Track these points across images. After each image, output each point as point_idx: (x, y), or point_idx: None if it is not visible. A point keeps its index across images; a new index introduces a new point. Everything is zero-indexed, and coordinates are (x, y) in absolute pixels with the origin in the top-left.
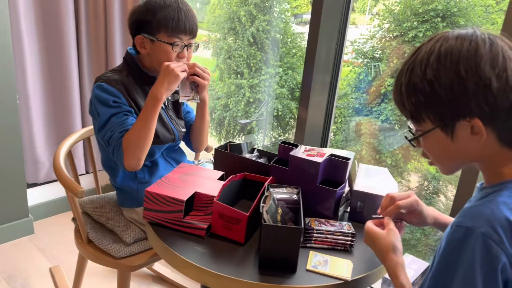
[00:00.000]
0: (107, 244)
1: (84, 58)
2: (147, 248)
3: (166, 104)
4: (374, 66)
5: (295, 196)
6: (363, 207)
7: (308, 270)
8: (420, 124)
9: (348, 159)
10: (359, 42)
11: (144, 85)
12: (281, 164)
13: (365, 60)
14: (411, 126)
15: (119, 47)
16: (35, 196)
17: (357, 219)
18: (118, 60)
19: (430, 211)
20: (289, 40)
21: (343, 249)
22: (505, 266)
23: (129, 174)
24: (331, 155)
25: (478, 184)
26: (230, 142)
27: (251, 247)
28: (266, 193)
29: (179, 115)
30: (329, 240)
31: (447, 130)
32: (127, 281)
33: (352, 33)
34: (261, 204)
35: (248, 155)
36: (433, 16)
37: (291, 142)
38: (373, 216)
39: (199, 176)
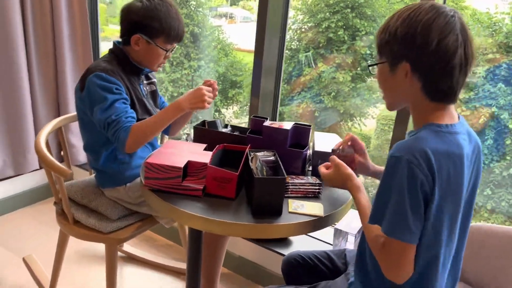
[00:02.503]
0: (95, 222)
1: (32, 58)
2: (131, 223)
3: (146, 93)
4: (306, 56)
5: (272, 158)
6: (322, 164)
7: (290, 212)
8: (380, 57)
9: (309, 126)
10: None
11: (133, 75)
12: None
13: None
14: (374, 61)
15: (67, 43)
16: None
17: (318, 174)
18: (67, 57)
19: (371, 163)
20: (207, 33)
21: (313, 196)
22: (423, 182)
23: (110, 156)
24: (295, 123)
25: (407, 132)
26: (205, 120)
27: (241, 200)
28: (250, 156)
29: (156, 104)
30: (301, 190)
31: (391, 67)
32: (115, 254)
33: None
34: (250, 163)
35: (224, 130)
36: (343, 7)
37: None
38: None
39: (186, 149)
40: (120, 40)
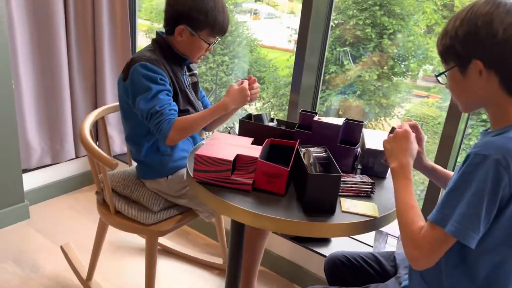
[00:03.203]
0: (136, 213)
1: (73, 48)
2: (172, 215)
3: (188, 84)
4: (343, 51)
5: (324, 154)
6: (374, 162)
7: (343, 211)
8: (447, 64)
9: (362, 122)
10: None
11: (176, 65)
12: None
13: None
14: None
15: (106, 34)
16: (29, 182)
17: (368, 173)
18: (106, 47)
19: (429, 160)
20: (233, 28)
21: (365, 196)
22: (506, 185)
23: (152, 148)
24: (346, 119)
25: (482, 131)
26: (251, 113)
27: (290, 197)
28: (302, 151)
29: (197, 96)
30: (353, 188)
31: (461, 69)
32: (155, 246)
33: (294, 22)
34: (302, 159)
35: (270, 124)
36: (371, 4)
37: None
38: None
39: (234, 142)
40: (163, 30)
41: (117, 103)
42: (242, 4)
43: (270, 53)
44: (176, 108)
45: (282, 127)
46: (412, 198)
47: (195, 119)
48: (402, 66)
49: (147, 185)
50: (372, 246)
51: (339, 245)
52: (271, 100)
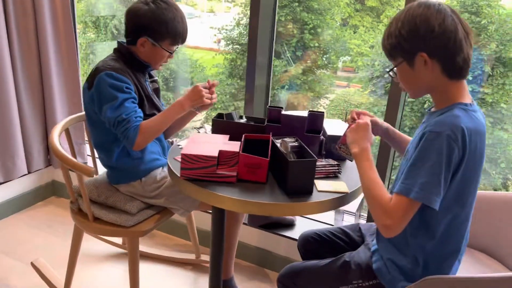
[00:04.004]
0: (115, 217)
1: (16, 58)
2: (150, 215)
3: (151, 91)
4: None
5: (295, 143)
6: (334, 147)
7: (320, 191)
8: (395, 60)
9: (323, 113)
10: (226, 30)
11: (138, 72)
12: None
13: (235, 46)
14: (390, 67)
15: (51, 44)
16: None
17: (332, 157)
18: (52, 58)
19: (384, 123)
20: None
21: (333, 176)
22: (456, 155)
23: (123, 152)
24: (310, 111)
25: (426, 110)
26: (221, 113)
27: (271, 183)
28: (278, 142)
29: (160, 102)
30: (323, 171)
31: (409, 62)
32: (137, 246)
33: (214, 21)
34: (280, 149)
35: (241, 120)
36: (290, 1)
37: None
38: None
39: (211, 140)
40: (123, 39)
41: (79, 114)
42: None
43: (195, 53)
44: (142, 115)
45: (251, 123)
46: (377, 176)
47: (157, 121)
48: (324, 59)
49: (121, 190)
50: (332, 225)
51: (304, 227)
52: None
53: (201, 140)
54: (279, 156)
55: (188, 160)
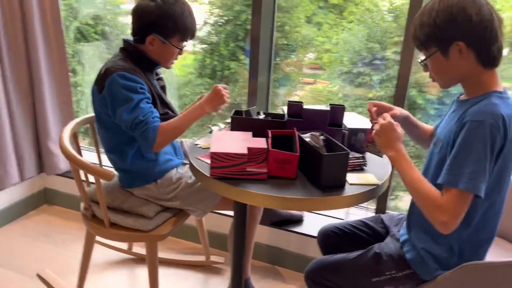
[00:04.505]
0: (133, 222)
1: (5, 63)
2: (167, 218)
3: (160, 90)
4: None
5: (323, 137)
6: (356, 140)
7: (351, 184)
8: (428, 50)
9: (343, 106)
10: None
11: (147, 71)
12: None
13: (204, 45)
14: (422, 57)
15: (41, 49)
16: None
17: (353, 149)
18: (42, 62)
19: (404, 112)
20: (119, 32)
21: (360, 169)
22: (498, 142)
23: (137, 154)
24: (330, 104)
25: (456, 98)
26: (238, 110)
27: (301, 179)
28: (307, 137)
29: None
30: (350, 164)
31: (443, 52)
32: (156, 250)
33: None
34: (312, 143)
35: (260, 117)
36: None
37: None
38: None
39: (237, 138)
40: (130, 38)
41: (86, 116)
42: (120, 6)
43: None
44: (158, 114)
45: (269, 119)
46: (419, 174)
47: (177, 123)
48: (293, 56)
49: (135, 193)
50: (342, 219)
51: (312, 223)
52: (172, 101)
53: (226, 138)
54: (310, 150)
55: (218, 158)
